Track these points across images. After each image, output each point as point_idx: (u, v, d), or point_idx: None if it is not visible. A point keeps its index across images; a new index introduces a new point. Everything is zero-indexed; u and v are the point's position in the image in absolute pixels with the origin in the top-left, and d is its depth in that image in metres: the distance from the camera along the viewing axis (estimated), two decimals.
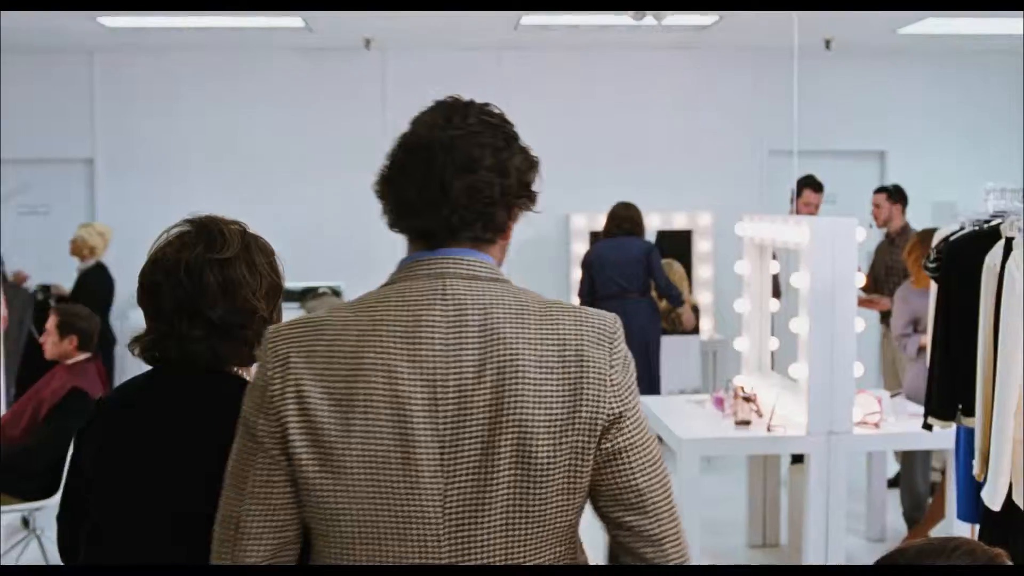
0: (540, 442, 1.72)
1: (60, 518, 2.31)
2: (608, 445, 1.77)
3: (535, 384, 1.72)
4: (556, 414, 1.73)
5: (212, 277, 2.12)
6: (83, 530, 2.19)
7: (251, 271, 2.19)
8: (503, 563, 1.74)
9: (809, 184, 7.63)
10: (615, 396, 1.78)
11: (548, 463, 1.73)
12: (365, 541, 1.74)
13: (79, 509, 2.20)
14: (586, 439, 1.75)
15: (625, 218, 7.46)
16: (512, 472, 1.72)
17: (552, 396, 1.73)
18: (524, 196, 1.88)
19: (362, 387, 1.72)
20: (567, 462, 1.74)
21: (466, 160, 1.82)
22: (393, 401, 1.71)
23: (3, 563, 5.82)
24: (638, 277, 7.36)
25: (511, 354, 1.73)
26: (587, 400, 1.75)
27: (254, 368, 1.96)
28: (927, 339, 5.82)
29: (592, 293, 7.40)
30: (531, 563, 1.76)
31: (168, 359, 2.16)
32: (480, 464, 1.71)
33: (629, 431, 1.79)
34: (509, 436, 1.71)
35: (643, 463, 1.80)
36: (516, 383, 1.72)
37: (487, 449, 1.71)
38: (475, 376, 1.72)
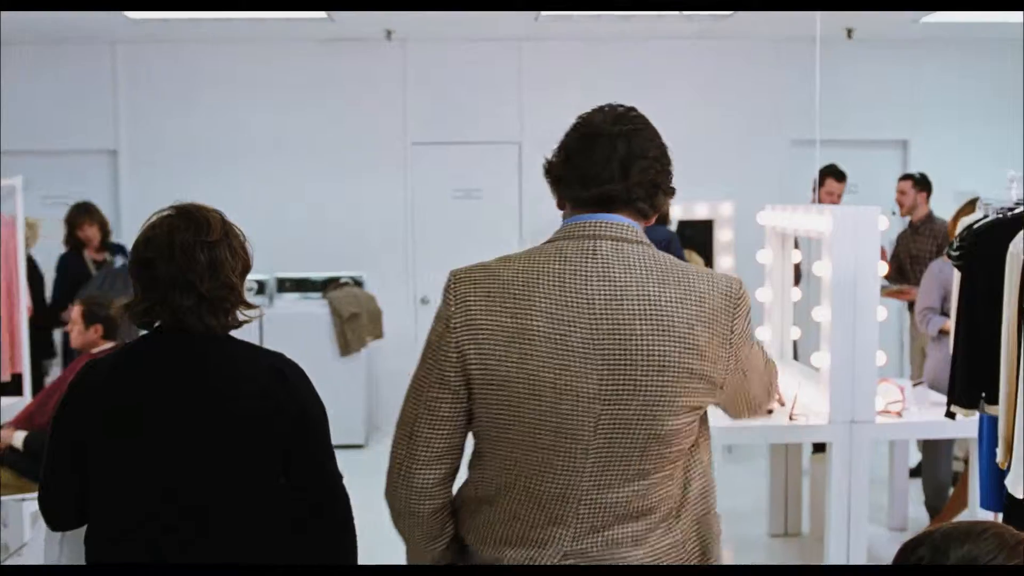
0: (676, 378, 2.11)
1: (48, 480, 2.54)
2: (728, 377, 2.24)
3: (676, 332, 2.11)
4: (689, 357, 2.12)
5: (202, 256, 2.46)
6: (74, 488, 2.49)
7: (232, 253, 2.52)
8: (635, 474, 2.16)
9: (832, 173, 7.62)
10: (732, 344, 2.21)
11: (679, 395, 2.13)
12: (525, 448, 2.15)
13: (72, 466, 2.47)
14: (708, 383, 2.18)
15: None
16: (652, 402, 2.11)
17: (687, 342, 2.11)
18: (670, 182, 2.34)
19: (528, 324, 2.11)
20: (693, 396, 2.16)
21: (640, 149, 2.25)
22: (553, 337, 2.10)
23: (30, 548, 5.87)
24: None
25: (655, 306, 2.11)
26: (711, 349, 2.16)
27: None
28: (951, 323, 5.83)
29: None
30: (656, 475, 2.19)
31: (164, 324, 2.50)
32: (630, 397, 2.10)
33: (743, 365, 2.26)
34: (652, 372, 2.10)
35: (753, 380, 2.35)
36: (661, 331, 2.10)
37: (636, 384, 2.10)
38: (624, 321, 2.10)
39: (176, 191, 9.17)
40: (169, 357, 2.48)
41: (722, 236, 8.70)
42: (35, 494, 4.15)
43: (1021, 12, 7.39)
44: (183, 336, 2.48)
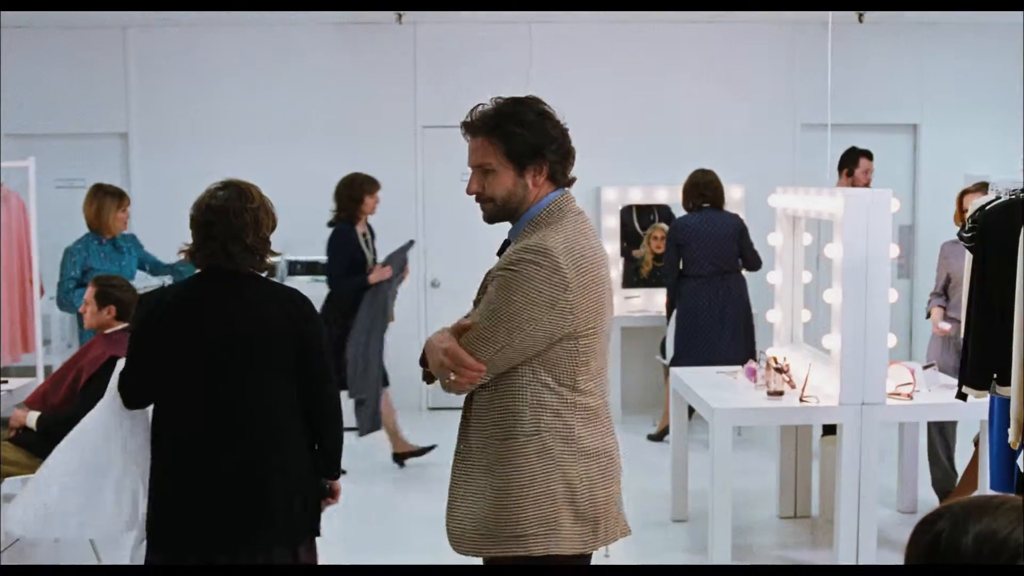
0: None
1: (127, 373, 3.65)
2: None
3: None
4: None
5: (248, 217, 3.49)
6: (145, 381, 3.57)
7: (266, 214, 3.58)
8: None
9: (864, 153, 7.66)
10: None
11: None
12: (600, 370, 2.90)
13: (145, 364, 3.55)
14: None
15: (706, 185, 7.38)
16: None
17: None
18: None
19: (600, 274, 2.85)
20: None
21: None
22: (607, 281, 2.90)
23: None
24: (733, 255, 7.33)
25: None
26: None
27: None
28: (937, 312, 5.91)
29: (682, 270, 7.35)
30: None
31: (217, 266, 3.51)
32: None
33: None
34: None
35: None
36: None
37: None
38: None
39: (187, 174, 9.26)
40: (222, 287, 3.52)
41: None
42: None
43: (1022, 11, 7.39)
44: (232, 272, 3.52)
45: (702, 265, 7.26)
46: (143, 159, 8.93)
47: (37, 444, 5.33)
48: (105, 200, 6.60)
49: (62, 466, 4.03)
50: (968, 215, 4.37)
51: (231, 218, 3.45)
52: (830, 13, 6.19)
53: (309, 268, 8.53)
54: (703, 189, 7.34)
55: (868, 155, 7.70)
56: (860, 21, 8.70)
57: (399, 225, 9.01)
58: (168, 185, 8.88)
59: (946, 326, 5.95)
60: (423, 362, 2.88)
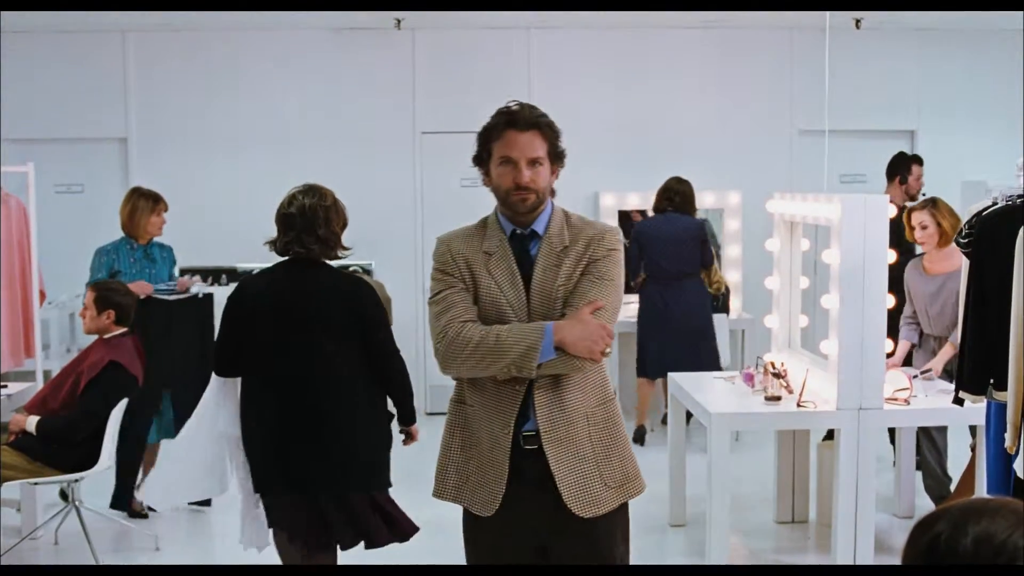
0: None
1: (219, 346, 4.35)
2: None
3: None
4: None
5: (322, 214, 4.22)
6: (233, 353, 4.26)
7: (337, 214, 4.30)
8: None
9: (915, 159, 7.62)
10: None
11: None
12: None
13: (234, 338, 4.26)
14: None
15: (677, 191, 7.44)
16: None
17: None
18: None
19: None
20: None
21: None
22: None
23: (43, 533, 5.92)
24: (692, 258, 7.37)
25: None
26: None
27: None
28: (893, 359, 5.91)
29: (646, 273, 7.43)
30: None
31: (296, 255, 4.22)
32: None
33: None
34: None
35: None
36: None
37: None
38: None
39: (186, 179, 9.28)
40: (298, 273, 4.23)
41: (730, 225, 8.72)
42: (48, 478, 4.79)
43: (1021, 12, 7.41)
44: (307, 261, 4.23)
45: (660, 266, 7.33)
46: (142, 164, 8.94)
47: (36, 448, 5.35)
48: (139, 202, 6.48)
49: (185, 440, 4.48)
50: (965, 221, 4.39)
51: (306, 214, 4.18)
52: (827, 16, 6.21)
53: None
54: (672, 194, 7.44)
55: (919, 161, 7.64)
56: (857, 27, 8.73)
57: (398, 230, 9.03)
58: (167, 190, 8.81)
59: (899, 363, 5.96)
60: (559, 348, 2.98)
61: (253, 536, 4.44)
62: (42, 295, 6.78)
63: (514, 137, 3.09)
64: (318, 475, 4.16)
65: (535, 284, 3.08)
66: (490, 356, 2.97)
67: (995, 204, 4.19)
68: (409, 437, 4.58)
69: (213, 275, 8.62)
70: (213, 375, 4.38)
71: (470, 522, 3.17)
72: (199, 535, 6.14)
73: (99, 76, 8.85)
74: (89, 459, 5.42)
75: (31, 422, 5.36)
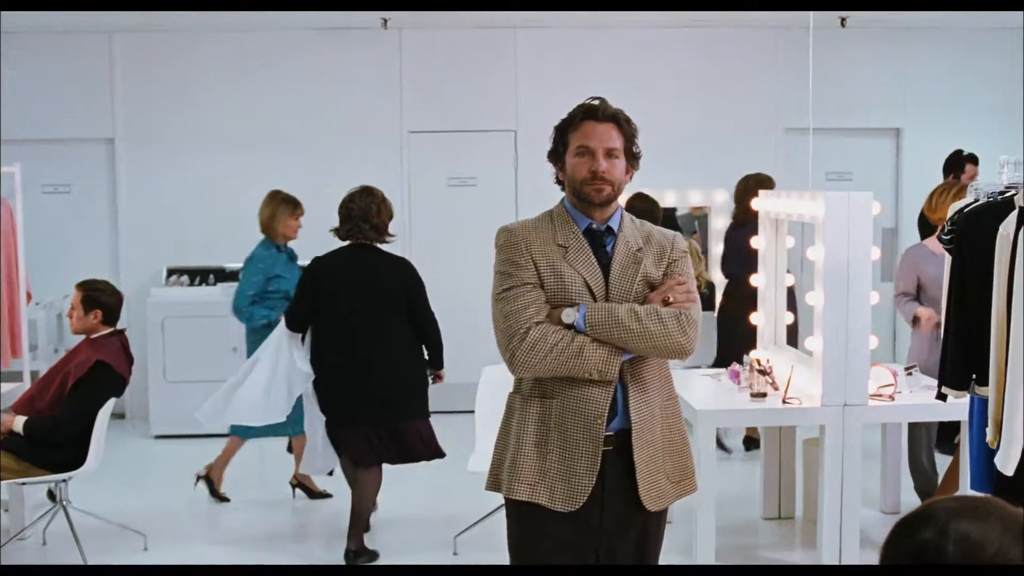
0: None
1: (291, 309, 5.71)
2: None
3: None
4: None
5: (373, 208, 5.52)
6: (305, 315, 5.59)
7: (384, 208, 5.57)
8: None
9: (970, 158, 7.64)
10: None
11: None
12: None
13: (305, 304, 5.58)
14: None
15: (640, 210, 7.34)
16: None
17: None
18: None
19: None
20: None
21: None
22: None
23: (31, 533, 5.92)
24: None
25: None
26: None
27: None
28: (924, 312, 5.83)
29: None
30: None
31: (355, 240, 5.53)
32: None
33: None
34: None
35: None
36: None
37: None
38: None
39: (173, 179, 9.27)
40: (357, 253, 5.52)
41: (716, 224, 8.74)
42: (35, 479, 4.85)
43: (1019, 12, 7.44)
44: (363, 245, 5.52)
45: None
46: (129, 164, 8.94)
47: (24, 449, 5.35)
48: (280, 207, 6.60)
49: (243, 373, 5.76)
50: (948, 217, 4.41)
51: (363, 206, 5.50)
52: (811, 16, 6.23)
53: None
54: (636, 213, 7.36)
55: (974, 160, 7.67)
56: (843, 25, 8.76)
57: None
58: (154, 190, 8.89)
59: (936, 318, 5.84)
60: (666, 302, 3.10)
61: (322, 462, 5.67)
62: (28, 296, 6.77)
63: (592, 127, 3.13)
64: (375, 408, 5.41)
65: (613, 280, 3.12)
66: (573, 360, 3.01)
67: (976, 201, 4.22)
68: (437, 378, 5.74)
69: (201, 275, 8.63)
70: (281, 326, 5.66)
71: (539, 517, 3.10)
72: (187, 536, 6.14)
73: (86, 77, 8.84)
74: (77, 459, 5.41)
75: (18, 422, 5.36)
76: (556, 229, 3.16)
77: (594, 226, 3.17)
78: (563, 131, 3.19)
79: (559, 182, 3.26)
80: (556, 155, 3.22)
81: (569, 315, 3.05)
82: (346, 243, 5.55)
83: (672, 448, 3.19)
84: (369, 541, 5.64)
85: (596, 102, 3.17)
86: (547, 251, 3.11)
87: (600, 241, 3.17)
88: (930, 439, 6.19)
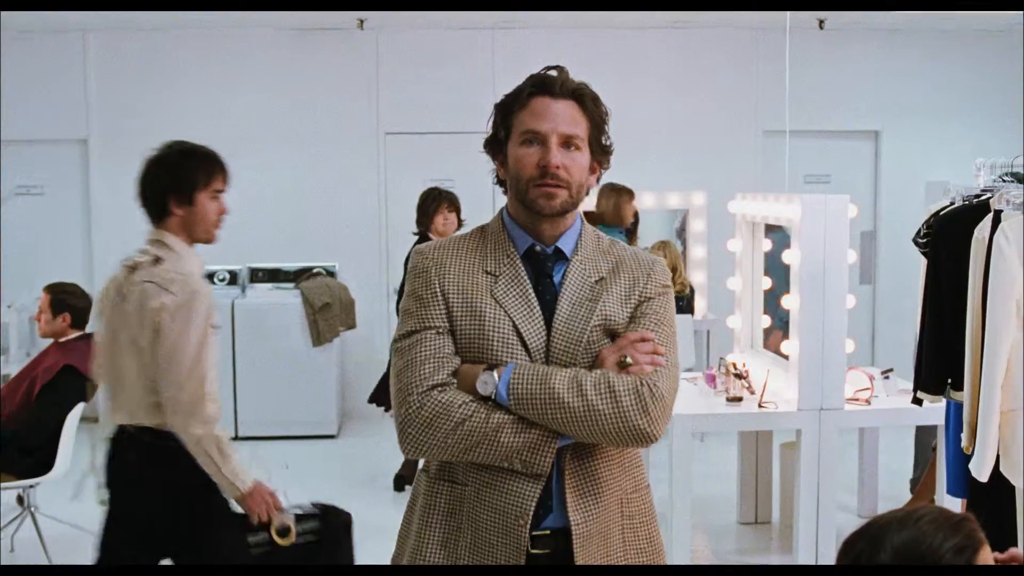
0: None
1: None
2: None
3: None
4: None
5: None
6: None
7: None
8: None
9: None
10: None
11: None
12: None
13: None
14: None
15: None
16: None
17: None
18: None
19: None
20: None
21: None
22: None
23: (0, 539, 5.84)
24: None
25: None
26: None
27: None
28: None
29: None
30: None
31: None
32: None
33: None
34: None
35: None
36: None
37: None
38: None
39: None
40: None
41: (695, 226, 8.71)
42: (3, 484, 4.61)
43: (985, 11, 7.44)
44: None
45: None
46: (103, 165, 8.85)
47: None
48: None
49: None
50: (924, 221, 4.39)
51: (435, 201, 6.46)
52: (788, 17, 6.21)
53: (271, 275, 8.48)
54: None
55: None
56: (821, 28, 8.75)
57: (362, 232, 8.97)
58: (128, 191, 8.70)
59: None
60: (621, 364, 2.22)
61: None
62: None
63: (544, 105, 2.33)
64: None
65: (559, 322, 2.26)
66: (485, 446, 2.18)
67: (952, 204, 4.19)
68: None
69: None
70: None
71: None
72: None
73: (59, 77, 8.75)
74: (45, 464, 5.34)
75: None
76: (486, 250, 2.33)
77: (538, 247, 2.32)
78: (506, 111, 2.40)
79: (500, 182, 2.44)
80: (496, 144, 2.42)
81: (486, 382, 2.18)
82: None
83: (638, 554, 2.36)
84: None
85: (553, 72, 2.39)
86: (466, 282, 2.27)
87: (545, 269, 2.31)
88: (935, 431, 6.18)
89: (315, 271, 8.46)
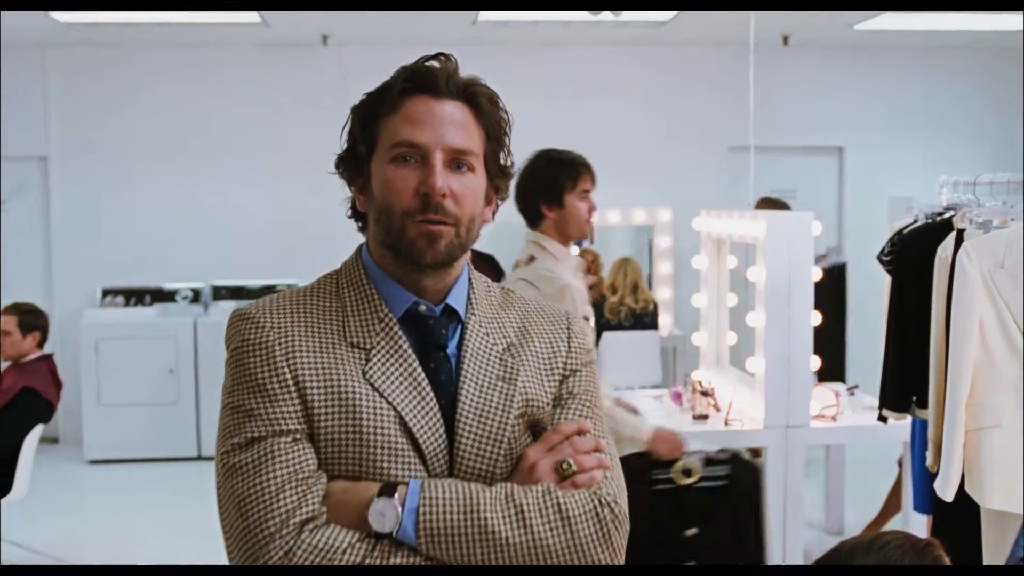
0: None
1: None
2: None
3: None
4: None
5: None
6: None
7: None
8: None
9: None
10: None
11: None
12: None
13: None
14: None
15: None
16: None
17: None
18: None
19: None
20: None
21: None
22: None
23: None
24: None
25: None
26: None
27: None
28: None
29: None
30: None
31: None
32: None
33: None
34: None
35: None
36: None
37: None
38: None
39: (108, 198, 9.09)
40: None
41: (660, 242, 8.72)
42: None
43: (956, 18, 7.48)
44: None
45: None
46: (63, 182, 8.75)
47: None
48: None
49: None
50: (888, 239, 4.39)
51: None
52: (751, 32, 6.22)
53: (234, 293, 8.41)
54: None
55: None
56: (785, 44, 8.78)
57: (332, 249, 8.89)
58: (89, 208, 8.71)
59: None
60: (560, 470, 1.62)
61: None
62: None
63: (425, 108, 1.66)
64: None
65: (466, 414, 1.63)
66: None
67: (916, 222, 4.20)
68: None
69: (137, 296, 8.46)
70: None
71: None
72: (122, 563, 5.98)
73: (18, 93, 8.64)
74: (3, 487, 5.27)
75: None
76: (347, 312, 1.66)
77: (422, 307, 1.67)
78: (369, 116, 1.72)
79: (357, 215, 1.80)
80: (353, 161, 1.76)
81: (383, 513, 1.52)
82: None
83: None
84: None
85: (435, 63, 1.69)
86: (327, 361, 1.60)
87: (436, 337, 1.66)
88: None
89: (279, 289, 8.38)
